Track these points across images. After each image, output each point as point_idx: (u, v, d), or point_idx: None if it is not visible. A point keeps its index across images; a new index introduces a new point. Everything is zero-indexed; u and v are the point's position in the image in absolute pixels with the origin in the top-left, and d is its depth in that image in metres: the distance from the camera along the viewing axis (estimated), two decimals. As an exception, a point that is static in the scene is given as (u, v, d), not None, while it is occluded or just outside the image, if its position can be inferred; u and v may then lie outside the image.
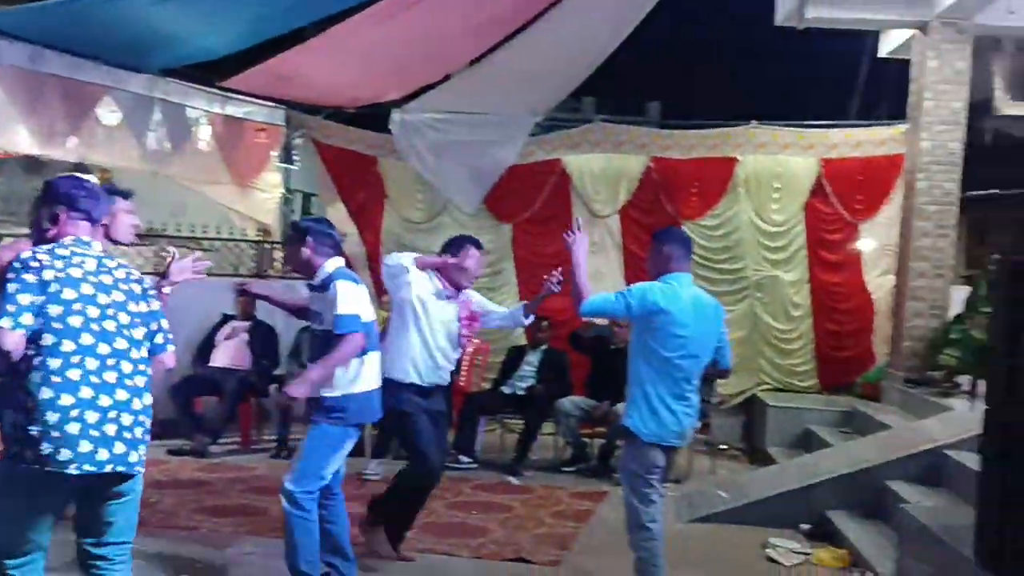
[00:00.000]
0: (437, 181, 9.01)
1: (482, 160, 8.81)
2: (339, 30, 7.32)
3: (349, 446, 4.21)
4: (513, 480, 7.03)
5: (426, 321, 4.82)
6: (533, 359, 7.86)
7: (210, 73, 8.20)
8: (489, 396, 7.81)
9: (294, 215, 10.27)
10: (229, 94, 8.65)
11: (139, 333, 3.00)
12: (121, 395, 2.84)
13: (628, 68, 10.71)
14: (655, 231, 4.54)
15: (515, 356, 7.98)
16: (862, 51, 11.53)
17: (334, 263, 4.22)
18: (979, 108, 11.04)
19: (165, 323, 3.13)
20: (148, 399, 2.96)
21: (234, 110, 8.92)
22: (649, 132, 9.25)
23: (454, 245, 5.07)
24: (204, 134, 8.69)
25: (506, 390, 7.79)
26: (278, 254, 9.51)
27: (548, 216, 8.91)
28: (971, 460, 4.31)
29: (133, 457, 2.88)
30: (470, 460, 7.36)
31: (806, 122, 8.99)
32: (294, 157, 9.55)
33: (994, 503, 3.77)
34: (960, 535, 4.07)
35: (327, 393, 4.05)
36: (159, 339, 3.09)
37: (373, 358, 4.24)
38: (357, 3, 6.93)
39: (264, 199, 9.48)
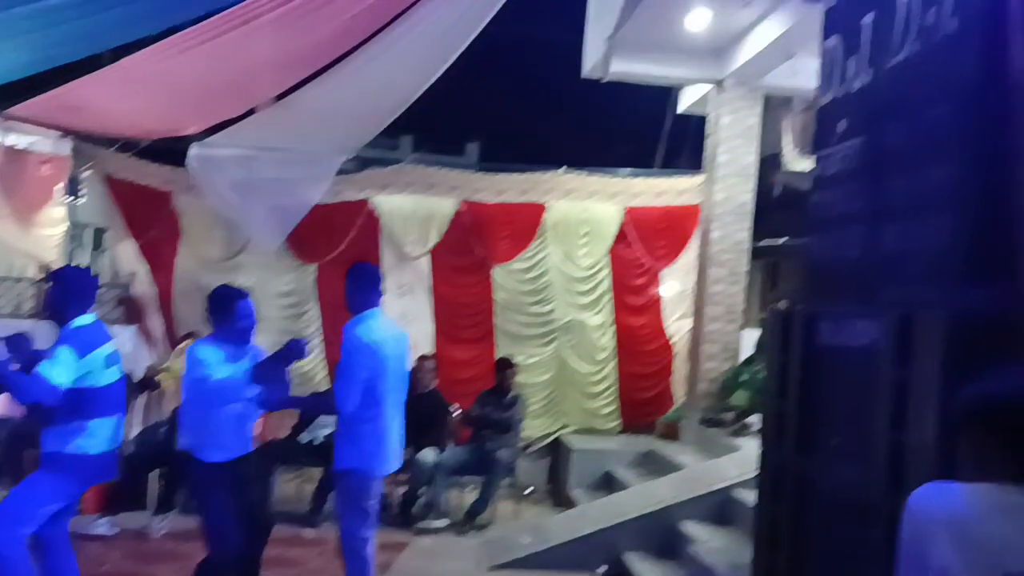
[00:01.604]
0: (237, 219, 8.61)
1: (286, 198, 8.50)
2: (136, 59, 6.90)
3: (63, 503, 4.01)
4: (308, 533, 6.69)
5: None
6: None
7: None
8: (286, 445, 7.44)
9: (83, 250, 9.52)
10: (10, 123, 7.99)
11: None
12: None
13: (448, 108, 10.71)
14: (348, 269, 4.68)
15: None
16: (666, 104, 12.12)
17: (82, 320, 4.00)
18: (771, 162, 11.79)
19: None
20: None
21: (16, 140, 8.27)
22: (461, 175, 9.27)
23: (220, 307, 4.34)
24: (-19, 165, 7.98)
25: (304, 438, 7.45)
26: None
27: (355, 257, 8.61)
28: (754, 498, 4.45)
29: None
30: (264, 511, 6.94)
31: (612, 170, 9.29)
32: (81, 191, 8.85)
33: (765, 540, 3.89)
34: (743, 573, 4.18)
35: (53, 447, 3.94)
36: None
37: (102, 423, 4.03)
38: (155, 32, 6.58)
39: (47, 235, 8.76)
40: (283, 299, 8.78)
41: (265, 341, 8.66)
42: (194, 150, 8.42)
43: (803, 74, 7.60)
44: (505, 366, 7.68)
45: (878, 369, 3.05)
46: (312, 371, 8.68)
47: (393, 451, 4.48)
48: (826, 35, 3.89)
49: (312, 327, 8.85)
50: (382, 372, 4.30)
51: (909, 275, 3.12)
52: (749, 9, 7.15)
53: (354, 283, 4.48)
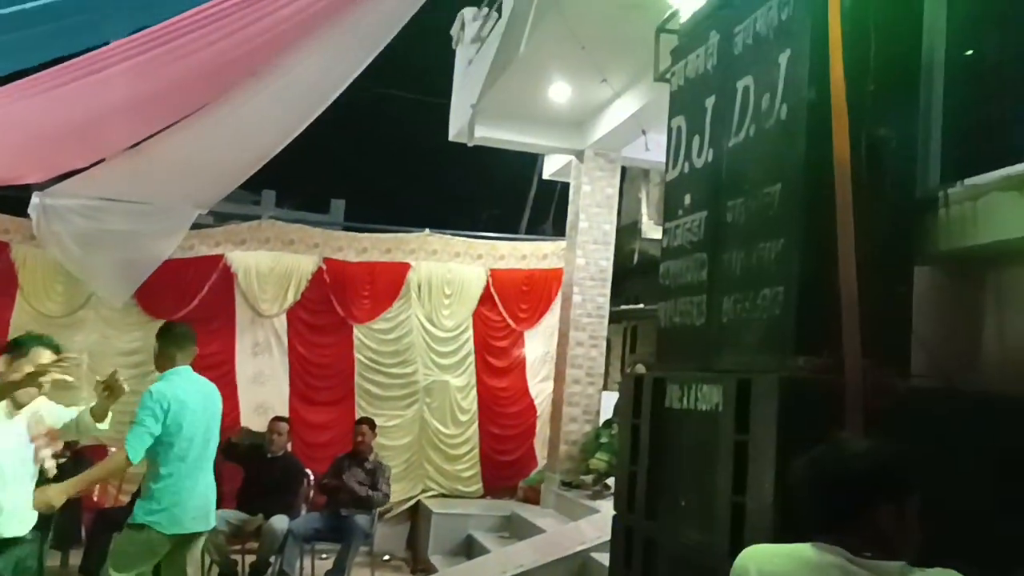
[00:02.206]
0: (81, 272, 8.17)
1: (136, 252, 8.14)
2: (-29, 104, 6.50)
3: None
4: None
5: None
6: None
7: None
8: (125, 512, 6.97)
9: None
10: None
11: None
12: None
13: (314, 165, 10.62)
14: (159, 330, 4.86)
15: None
16: (532, 170, 12.44)
17: None
18: (630, 229, 12.24)
19: None
20: None
21: None
22: (323, 232, 9.17)
23: (16, 349, 4.04)
24: None
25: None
26: None
27: (208, 314, 8.41)
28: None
29: None
30: (100, 583, 6.50)
31: (477, 233, 9.41)
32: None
33: (617, 606, 3.93)
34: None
35: None
36: None
37: None
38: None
39: None
40: (127, 357, 8.32)
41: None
42: (36, 199, 7.98)
43: (657, 149, 7.98)
44: (365, 429, 7.53)
45: (720, 433, 3.17)
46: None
47: (197, 510, 4.51)
48: (672, 115, 4.10)
49: (159, 387, 8.41)
50: (181, 430, 4.41)
51: (747, 343, 3.28)
52: (606, 85, 7.47)
53: (161, 343, 4.68)
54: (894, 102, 3.13)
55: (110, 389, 4.14)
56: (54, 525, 6.23)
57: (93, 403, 4.20)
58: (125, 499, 7.24)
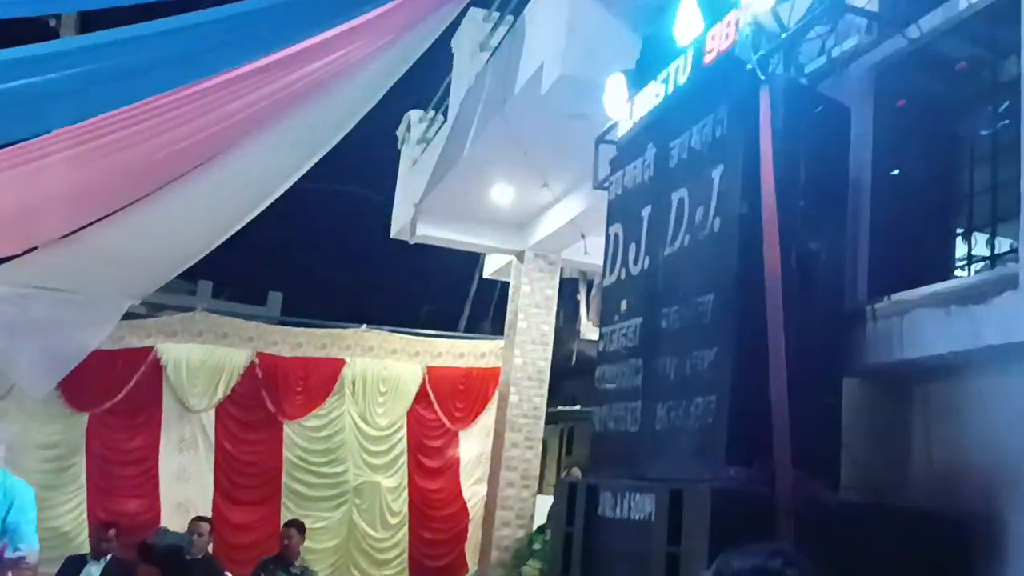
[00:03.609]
0: (3, 362, 7.85)
1: (63, 342, 7.87)
2: None
3: None
4: None
5: None
6: (94, 572, 6.81)
7: None
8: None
9: None
10: None
11: None
12: None
13: (251, 257, 10.52)
14: None
15: (72, 567, 6.87)
16: (472, 269, 12.52)
17: None
18: (568, 331, 12.30)
19: None
20: None
21: None
22: (257, 326, 9.03)
23: None
24: None
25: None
26: None
27: (134, 408, 8.15)
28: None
29: None
30: None
31: (414, 330, 9.36)
32: None
33: None
34: None
35: None
36: None
37: None
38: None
39: None
40: (47, 451, 7.99)
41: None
42: (-41, 286, 7.73)
43: (596, 252, 8.12)
44: (292, 532, 7.25)
45: (652, 542, 3.12)
46: (73, 531, 7.88)
47: None
48: (610, 222, 4.19)
49: (77, 482, 8.06)
50: None
51: (680, 452, 3.28)
52: (547, 189, 7.63)
53: None
54: (823, 218, 3.25)
55: None
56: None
57: None
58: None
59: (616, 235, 4.13)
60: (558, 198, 7.73)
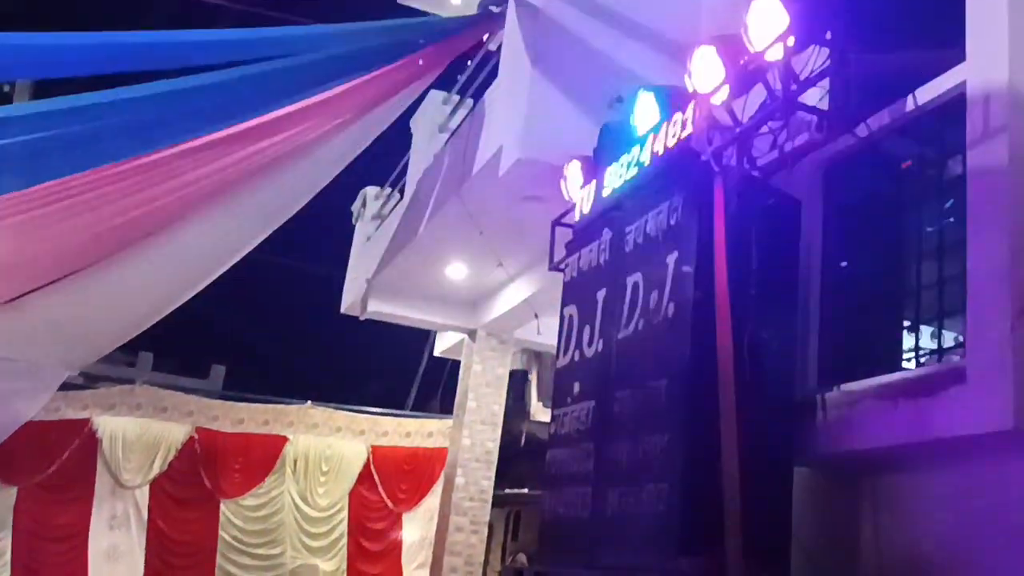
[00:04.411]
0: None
1: (-5, 410, 7.58)
2: None
3: None
4: None
5: None
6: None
7: None
8: None
9: None
10: None
11: None
12: None
13: (194, 329, 10.32)
14: None
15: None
16: (422, 346, 12.42)
17: None
18: (518, 411, 12.22)
19: None
20: None
21: None
22: (198, 401, 8.81)
23: None
24: None
25: None
26: None
27: (65, 482, 7.84)
28: None
29: None
30: None
31: (360, 408, 9.21)
32: None
33: None
34: None
35: None
36: None
37: None
38: None
39: None
40: None
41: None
42: None
43: (549, 332, 8.13)
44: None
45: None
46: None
47: None
48: (564, 303, 4.21)
49: (1, 559, 7.66)
50: None
51: (631, 539, 3.23)
52: (502, 269, 7.66)
53: None
54: (774, 307, 3.29)
55: None
56: None
57: None
58: None
59: (571, 317, 4.15)
60: (512, 278, 7.75)
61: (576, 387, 3.93)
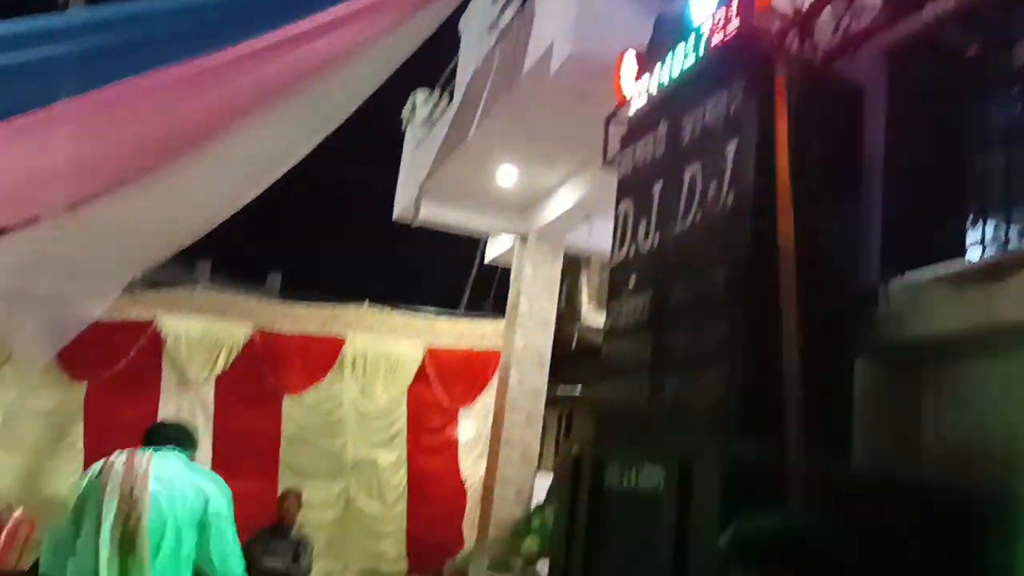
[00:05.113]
0: (2, 330, 7.87)
1: (63, 311, 7.86)
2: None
3: None
4: None
5: None
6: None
7: None
8: (26, 576, 6.63)
9: None
10: None
11: None
12: None
13: (251, 237, 10.49)
14: None
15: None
16: (474, 250, 12.50)
17: None
18: (569, 314, 12.32)
19: None
20: None
21: None
22: (257, 302, 9.05)
23: None
24: None
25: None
26: None
27: (132, 378, 8.18)
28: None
29: None
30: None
31: (416, 308, 9.36)
32: None
33: None
34: None
35: None
36: None
37: None
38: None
39: None
40: (44, 418, 8.03)
41: (18, 463, 7.92)
42: (-40, 254, 7.72)
43: (599, 235, 8.14)
44: (291, 500, 7.32)
45: (660, 513, 3.14)
46: (71, 498, 7.86)
47: None
48: (619, 199, 4.20)
49: (75, 449, 8.10)
50: None
51: (690, 425, 3.30)
52: (553, 171, 7.62)
53: None
54: (836, 195, 3.26)
55: None
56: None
57: None
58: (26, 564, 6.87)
59: (626, 212, 4.14)
60: (564, 179, 7.73)
61: (632, 281, 3.95)
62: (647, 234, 3.90)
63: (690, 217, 3.55)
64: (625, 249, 4.10)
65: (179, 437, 3.71)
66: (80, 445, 8.15)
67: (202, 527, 3.46)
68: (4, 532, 6.27)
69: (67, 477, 7.95)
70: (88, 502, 3.44)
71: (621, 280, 4.07)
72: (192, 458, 3.74)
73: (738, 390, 3.08)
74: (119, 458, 3.49)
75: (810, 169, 3.18)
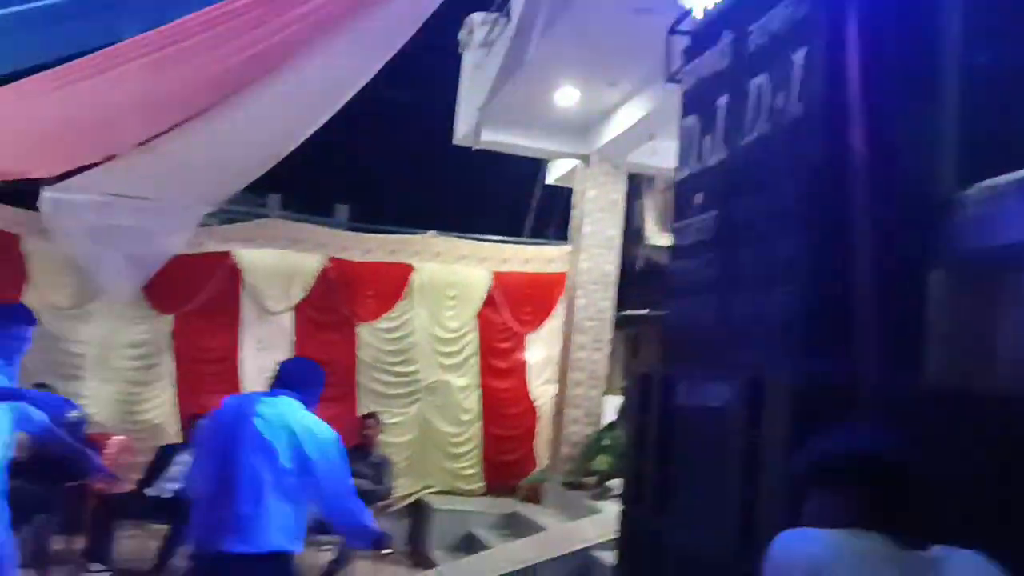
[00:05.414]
0: (90, 267, 8.22)
1: (145, 247, 8.18)
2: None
3: None
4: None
5: None
6: (185, 459, 7.20)
7: None
8: (130, 498, 7.06)
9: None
10: None
11: None
12: None
13: (319, 169, 10.63)
14: None
15: (164, 456, 7.34)
16: (536, 174, 12.45)
17: None
18: (634, 236, 12.26)
19: None
20: None
21: None
22: (328, 232, 9.23)
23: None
24: None
25: (151, 492, 7.11)
26: None
27: (214, 309, 8.51)
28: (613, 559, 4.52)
29: None
30: (103, 568, 6.67)
31: (481, 236, 9.44)
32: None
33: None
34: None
35: None
36: None
37: None
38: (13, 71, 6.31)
39: None
40: (134, 349, 8.44)
41: (114, 391, 8.36)
42: (47, 193, 8.01)
43: (663, 154, 8.04)
44: (372, 422, 7.60)
45: (730, 430, 3.18)
46: (164, 423, 8.37)
47: None
48: (684, 114, 4.13)
49: (165, 379, 8.48)
50: None
51: (759, 341, 3.29)
52: (615, 89, 7.50)
53: None
54: (910, 102, 3.15)
55: None
56: (62, 511, 6.31)
57: None
58: (129, 487, 7.31)
59: (690, 127, 4.07)
60: (625, 98, 7.61)
61: (698, 197, 3.91)
62: (713, 149, 3.84)
63: (757, 129, 3.48)
64: (690, 166, 4.04)
65: (293, 381, 3.89)
66: (171, 375, 8.54)
67: (306, 467, 3.63)
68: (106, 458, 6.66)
69: (160, 405, 8.38)
70: (211, 441, 3.64)
71: (687, 197, 4.03)
72: (312, 399, 3.91)
73: (809, 305, 3.05)
74: (235, 400, 3.69)
75: (883, 76, 3.07)
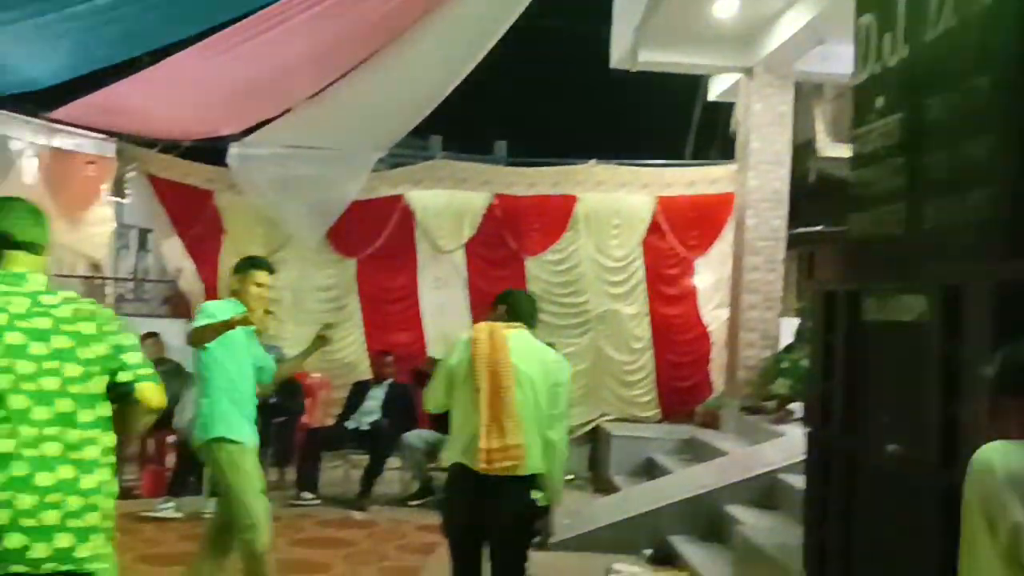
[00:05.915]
0: (277, 215, 8.77)
1: (324, 195, 8.65)
2: (174, 62, 7.08)
3: None
4: (357, 515, 6.87)
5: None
6: (378, 393, 7.74)
7: (40, 103, 7.82)
8: (333, 431, 7.60)
9: (129, 251, 9.81)
10: (57, 125, 8.25)
11: (94, 386, 2.31)
12: (66, 472, 2.22)
13: (475, 107, 10.78)
14: None
15: (359, 391, 7.83)
16: (696, 93, 12.09)
17: None
18: (804, 149, 11.74)
19: (135, 356, 2.40)
20: (105, 474, 2.28)
21: (62, 142, 8.58)
22: (492, 169, 9.37)
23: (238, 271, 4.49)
24: (29, 166, 8.23)
25: (350, 425, 7.59)
26: (109, 290, 9.08)
27: (392, 251, 8.90)
28: (800, 482, 4.46)
29: (83, 551, 2.22)
30: (312, 496, 7.15)
31: (642, 161, 9.30)
32: (126, 191, 9.10)
33: (816, 520, 3.91)
34: (791, 553, 4.20)
35: None
36: (125, 377, 2.36)
37: None
38: (194, 33, 6.74)
39: (94, 234, 9.05)
40: (324, 292, 8.98)
41: (306, 333, 8.93)
42: (234, 149, 8.59)
43: (834, 60, 7.59)
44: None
45: (926, 344, 3.05)
46: (355, 361, 8.85)
47: None
48: (859, 13, 3.89)
49: (353, 319, 8.98)
50: None
51: (953, 250, 3.12)
52: (778, -5, 7.13)
53: None
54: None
55: (323, 340, 4.53)
56: (272, 444, 6.88)
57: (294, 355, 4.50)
58: (330, 420, 7.86)
59: (867, 26, 3.84)
60: (790, 3, 7.22)
61: (879, 101, 3.70)
62: (894, 48, 3.61)
63: (943, 22, 3.24)
64: (869, 68, 3.82)
65: (523, 314, 4.02)
66: (358, 315, 9.03)
67: (552, 396, 3.77)
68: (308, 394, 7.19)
69: (350, 344, 8.90)
70: (460, 370, 3.79)
71: (867, 102, 3.82)
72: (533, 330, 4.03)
73: (1008, 208, 2.86)
74: (482, 333, 3.80)
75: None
